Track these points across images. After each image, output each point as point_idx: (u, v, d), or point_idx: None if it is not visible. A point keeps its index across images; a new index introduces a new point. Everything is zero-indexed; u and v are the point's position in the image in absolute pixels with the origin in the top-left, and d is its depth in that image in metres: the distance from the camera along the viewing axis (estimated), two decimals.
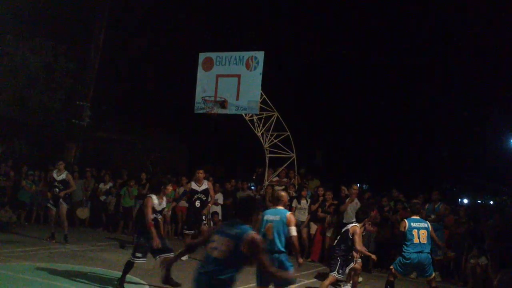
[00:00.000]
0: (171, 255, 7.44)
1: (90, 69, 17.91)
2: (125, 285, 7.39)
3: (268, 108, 13.66)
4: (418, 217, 7.98)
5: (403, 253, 7.76)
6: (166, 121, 22.70)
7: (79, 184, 13.92)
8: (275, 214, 6.46)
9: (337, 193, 12.36)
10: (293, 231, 6.36)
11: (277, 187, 13.14)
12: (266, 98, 13.53)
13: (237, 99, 13.49)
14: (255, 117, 13.91)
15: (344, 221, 11.29)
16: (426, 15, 26.96)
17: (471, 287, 10.32)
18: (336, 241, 8.00)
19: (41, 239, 11.30)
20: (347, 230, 7.78)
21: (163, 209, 7.89)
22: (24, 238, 11.39)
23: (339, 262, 7.61)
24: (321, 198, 12.27)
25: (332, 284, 7.88)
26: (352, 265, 7.89)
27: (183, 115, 19.58)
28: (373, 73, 27.06)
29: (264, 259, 4.26)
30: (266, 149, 14.10)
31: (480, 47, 26.30)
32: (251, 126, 14.05)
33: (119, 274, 7.62)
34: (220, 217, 13.20)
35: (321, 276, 9.09)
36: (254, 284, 6.37)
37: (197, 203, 10.43)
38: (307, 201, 12.37)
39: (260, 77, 13.33)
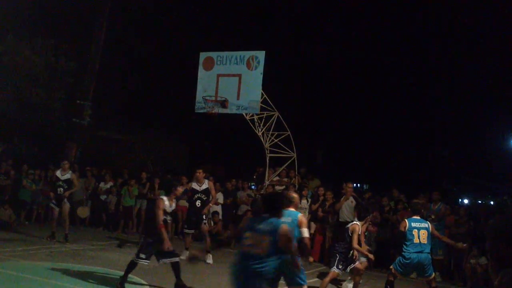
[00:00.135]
0: (176, 259, 7.42)
1: (91, 68, 17.91)
2: (126, 284, 7.39)
3: (268, 108, 13.64)
4: (418, 217, 7.98)
5: (403, 253, 7.76)
6: (166, 121, 22.72)
7: (79, 183, 13.92)
8: (286, 216, 6.47)
9: (338, 192, 12.36)
10: (306, 232, 6.37)
11: (277, 187, 13.15)
12: (267, 98, 13.51)
13: (238, 98, 13.46)
14: (255, 117, 13.89)
15: (340, 219, 11.30)
16: (427, 15, 26.99)
17: (471, 287, 10.32)
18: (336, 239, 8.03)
19: (42, 238, 11.30)
20: (347, 229, 7.83)
21: (172, 211, 7.89)
22: (24, 237, 11.39)
23: (337, 258, 7.69)
24: (321, 198, 12.28)
25: (333, 281, 7.88)
26: (353, 265, 7.90)
27: (183, 115, 19.59)
28: (374, 73, 27.10)
29: (293, 247, 4.68)
30: (267, 149, 14.09)
31: (481, 47, 26.34)
32: (252, 125, 14.04)
33: (119, 273, 7.62)
34: (220, 217, 13.20)
35: (323, 276, 9.08)
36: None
37: (198, 203, 10.41)
38: (307, 201, 12.38)
39: (261, 76, 13.29)
